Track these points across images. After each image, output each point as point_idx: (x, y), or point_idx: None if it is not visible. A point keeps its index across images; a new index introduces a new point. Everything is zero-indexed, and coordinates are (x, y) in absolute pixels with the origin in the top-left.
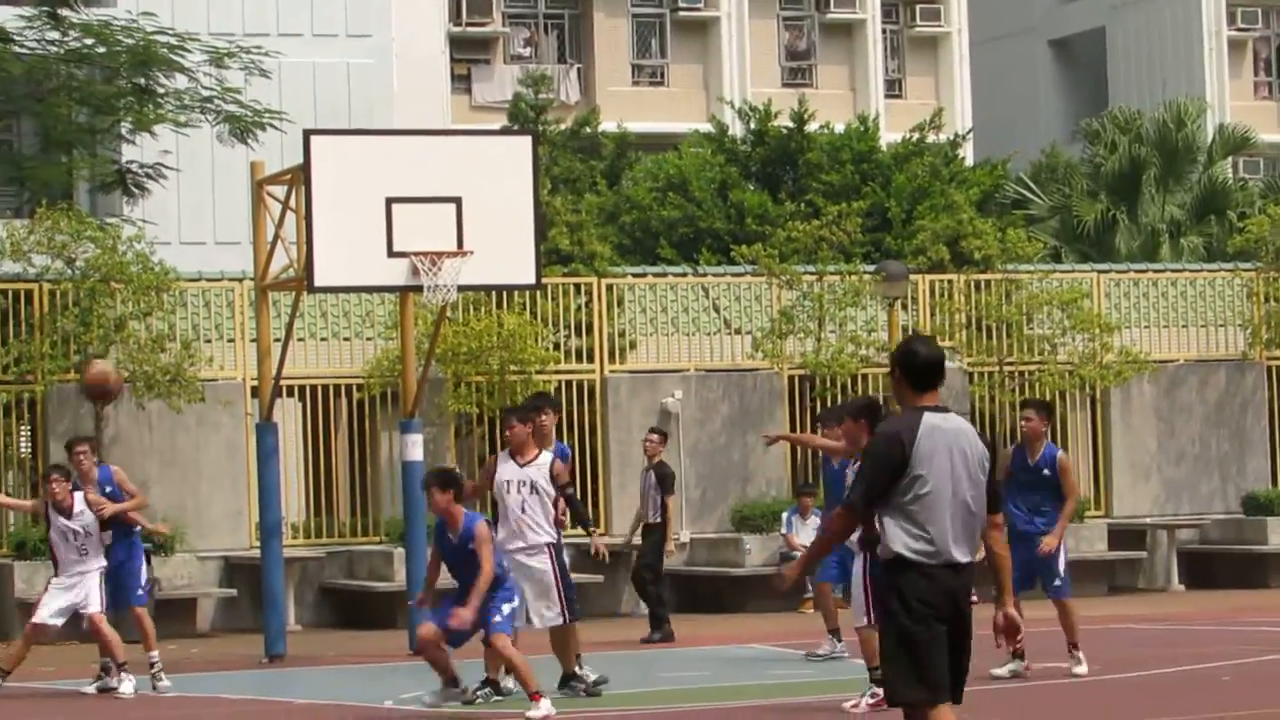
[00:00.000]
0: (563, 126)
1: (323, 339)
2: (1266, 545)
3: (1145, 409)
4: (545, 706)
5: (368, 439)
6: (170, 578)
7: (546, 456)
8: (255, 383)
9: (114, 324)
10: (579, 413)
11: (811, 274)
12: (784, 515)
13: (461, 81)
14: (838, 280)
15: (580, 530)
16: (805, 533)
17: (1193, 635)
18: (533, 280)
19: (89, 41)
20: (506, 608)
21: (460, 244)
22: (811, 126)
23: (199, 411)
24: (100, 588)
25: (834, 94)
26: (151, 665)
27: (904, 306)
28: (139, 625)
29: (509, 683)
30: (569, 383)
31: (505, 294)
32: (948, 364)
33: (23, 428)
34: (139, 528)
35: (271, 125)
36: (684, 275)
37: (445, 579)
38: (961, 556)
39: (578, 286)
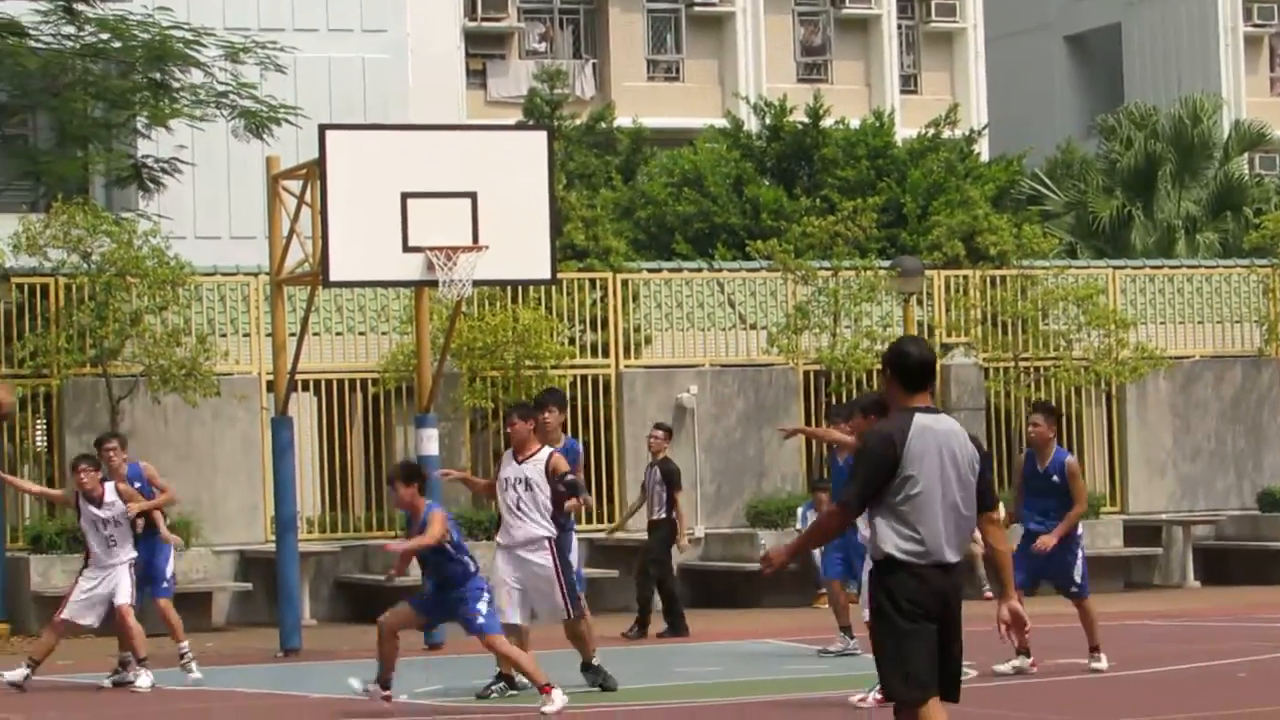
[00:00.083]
0: (578, 122)
1: (338, 334)
2: None
3: (1161, 405)
4: (558, 698)
5: (383, 434)
6: (185, 572)
7: (545, 452)
8: (270, 377)
9: (129, 318)
10: (594, 408)
11: (827, 269)
12: (799, 510)
13: (477, 77)
14: (853, 275)
15: (597, 527)
16: None
17: (1208, 631)
18: (548, 275)
19: (105, 36)
20: (484, 606)
21: (475, 239)
22: (827, 122)
23: (214, 406)
24: (130, 578)
25: (849, 89)
26: (182, 656)
27: (919, 302)
28: (164, 618)
29: (523, 678)
30: (584, 378)
31: (520, 289)
32: (964, 360)
33: (39, 421)
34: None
35: (287, 120)
36: (699, 270)
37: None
38: (952, 557)
39: (593, 282)
